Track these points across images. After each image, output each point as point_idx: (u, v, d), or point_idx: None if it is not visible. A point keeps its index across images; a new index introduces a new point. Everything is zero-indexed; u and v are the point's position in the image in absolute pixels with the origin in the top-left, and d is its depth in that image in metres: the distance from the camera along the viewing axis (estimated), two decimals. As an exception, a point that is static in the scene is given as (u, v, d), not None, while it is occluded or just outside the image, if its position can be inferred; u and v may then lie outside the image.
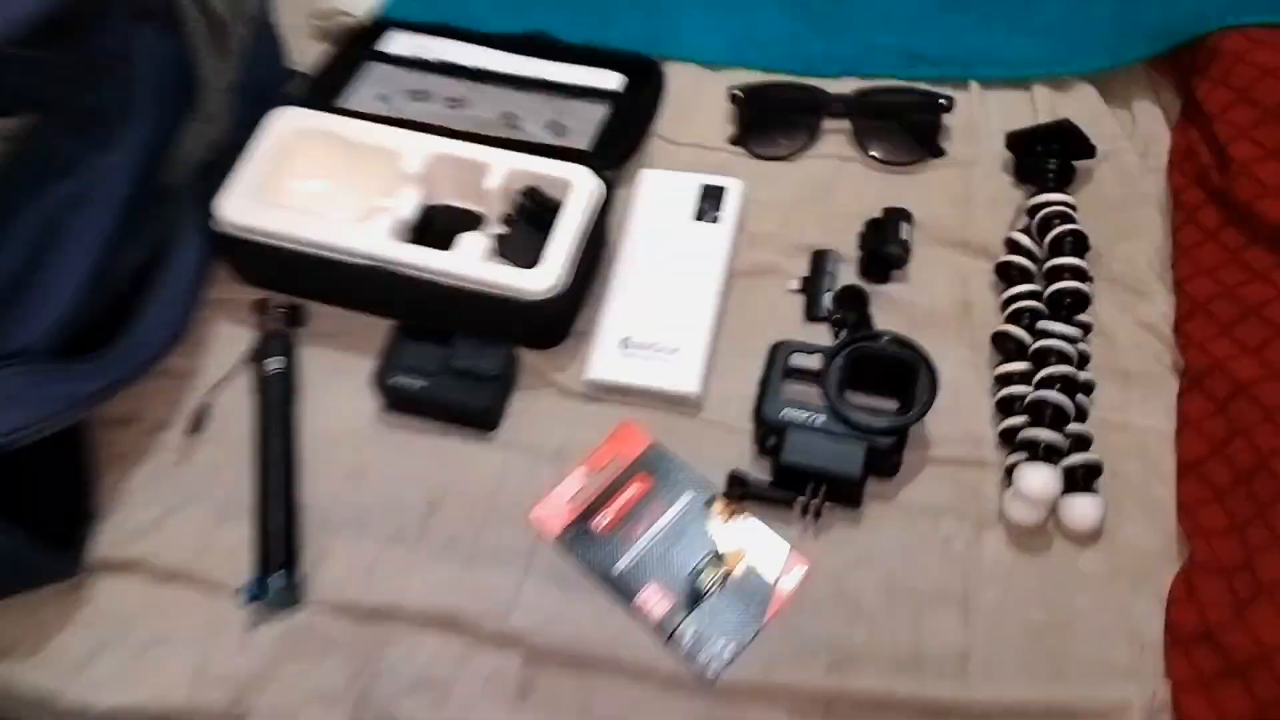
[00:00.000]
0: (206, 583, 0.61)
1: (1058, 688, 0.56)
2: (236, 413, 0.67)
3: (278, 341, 0.69)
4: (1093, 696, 0.55)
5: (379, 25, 0.83)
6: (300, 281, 0.71)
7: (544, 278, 0.65)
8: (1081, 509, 0.59)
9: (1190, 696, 0.54)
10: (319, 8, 0.84)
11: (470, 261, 0.67)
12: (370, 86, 0.80)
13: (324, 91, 0.79)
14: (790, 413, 0.62)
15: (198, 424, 0.67)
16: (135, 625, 0.60)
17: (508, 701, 0.57)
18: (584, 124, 0.77)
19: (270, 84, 0.78)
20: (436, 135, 0.72)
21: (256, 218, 0.69)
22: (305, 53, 0.82)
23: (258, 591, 0.59)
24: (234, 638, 0.59)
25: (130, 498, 0.64)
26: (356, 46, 0.82)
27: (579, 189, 0.69)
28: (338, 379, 0.68)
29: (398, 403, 0.67)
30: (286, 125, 0.73)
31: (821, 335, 0.69)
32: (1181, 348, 0.64)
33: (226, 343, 0.70)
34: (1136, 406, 0.64)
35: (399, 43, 0.83)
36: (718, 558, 0.61)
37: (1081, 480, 0.60)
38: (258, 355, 0.69)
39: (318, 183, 0.73)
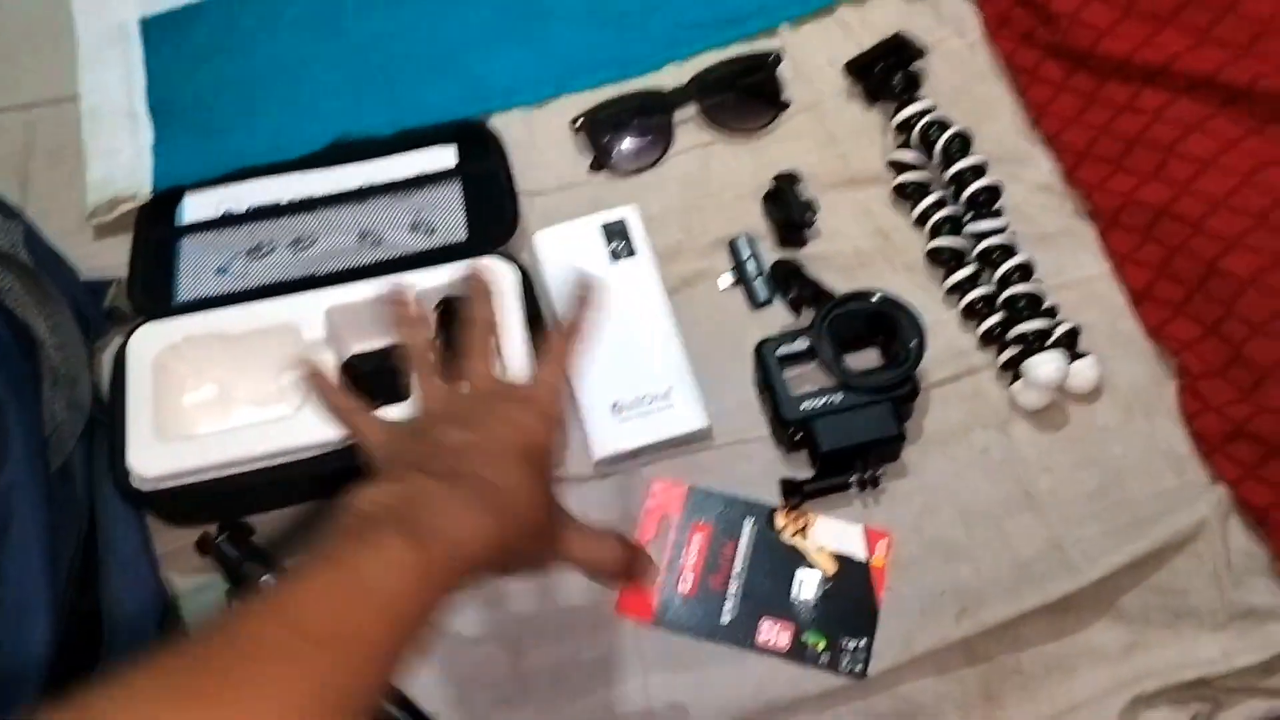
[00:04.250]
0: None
1: (1145, 532, 0.61)
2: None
3: (255, 562, 0.62)
4: (1174, 527, 0.60)
5: (167, 197, 0.75)
6: (250, 501, 0.64)
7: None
8: (1085, 372, 0.64)
9: (1248, 487, 0.60)
10: (94, 203, 0.74)
11: (435, 401, 0.62)
12: (199, 263, 0.72)
13: (153, 291, 0.71)
14: (808, 404, 0.62)
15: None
16: None
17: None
18: (448, 213, 0.73)
19: (86, 305, 0.69)
20: (321, 288, 0.67)
21: (177, 461, 0.61)
22: (99, 256, 0.73)
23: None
24: None
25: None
26: (157, 227, 0.74)
27: (499, 283, 0.66)
28: (340, 575, 0.63)
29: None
30: (150, 346, 0.65)
31: (774, 318, 0.69)
32: (1085, 195, 0.70)
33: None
34: (1069, 261, 0.69)
35: (199, 206, 0.75)
36: (807, 565, 0.61)
37: (1072, 347, 0.64)
38: (244, 587, 0.62)
39: (206, 389, 0.66)
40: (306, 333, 0.65)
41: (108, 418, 0.64)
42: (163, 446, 0.62)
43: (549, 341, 0.53)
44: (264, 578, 0.62)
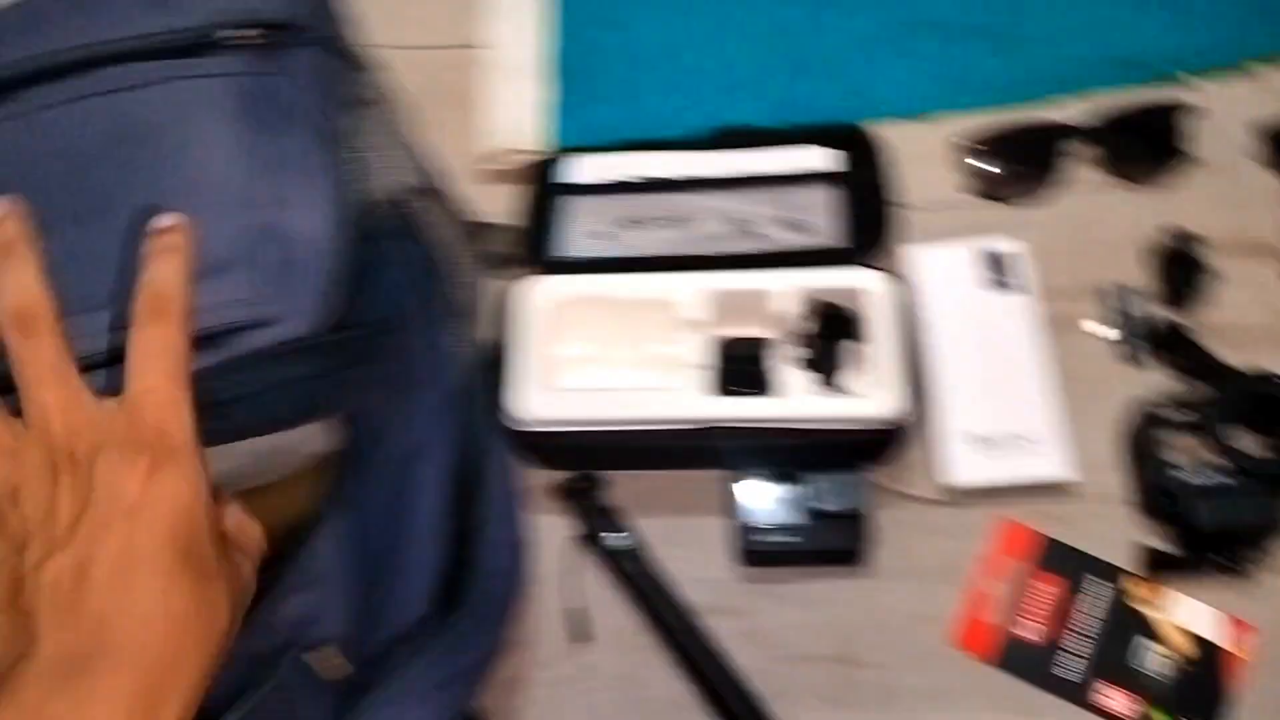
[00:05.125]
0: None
1: None
2: (604, 603, 0.65)
3: (607, 518, 0.66)
4: None
5: (557, 155, 0.79)
6: (609, 457, 0.67)
7: (888, 401, 0.63)
8: None
9: None
10: (485, 150, 0.79)
11: (805, 402, 0.64)
12: (578, 224, 0.75)
13: (538, 243, 0.74)
14: (1189, 478, 0.60)
15: (582, 631, 0.63)
16: None
17: None
18: (820, 214, 0.73)
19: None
20: (703, 270, 0.69)
21: (555, 409, 0.65)
22: (477, 201, 0.77)
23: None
24: None
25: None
26: (547, 183, 0.77)
27: (875, 294, 0.66)
28: (680, 545, 0.65)
29: (760, 559, 0.64)
30: (540, 296, 0.69)
31: (1146, 377, 0.67)
32: None
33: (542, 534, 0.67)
34: None
35: (585, 169, 0.78)
36: (1159, 640, 0.60)
37: None
38: (593, 538, 0.65)
39: (581, 346, 0.70)
40: (683, 310, 0.68)
41: (489, 356, 0.68)
42: (541, 393, 0.65)
43: (134, 329, 0.40)
44: (607, 534, 0.65)
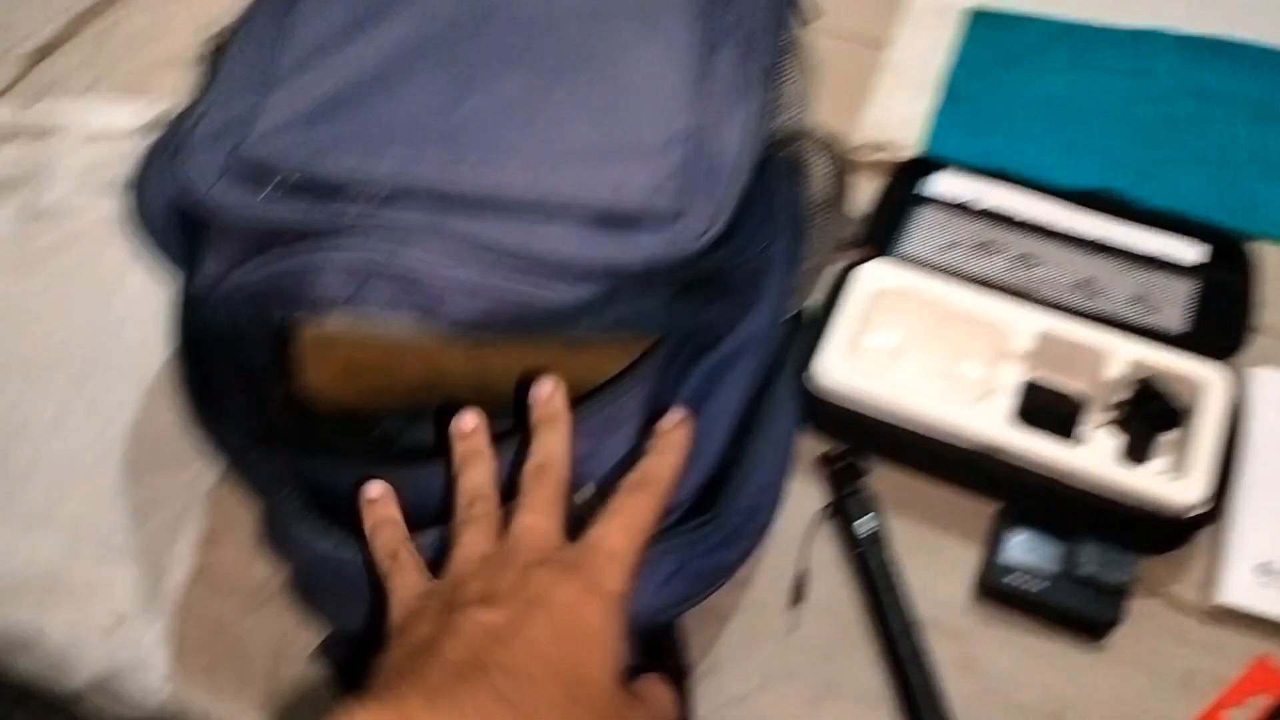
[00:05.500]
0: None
1: None
2: (826, 575, 0.66)
3: (861, 500, 0.67)
4: None
5: (922, 163, 0.81)
6: (883, 446, 0.69)
7: (1188, 494, 0.61)
8: None
9: None
10: (863, 141, 0.82)
11: (1106, 463, 0.63)
12: (927, 233, 0.77)
13: (885, 236, 0.77)
14: None
15: (799, 593, 0.65)
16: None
17: None
18: (1172, 301, 0.72)
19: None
20: (1044, 310, 0.69)
21: (855, 383, 0.67)
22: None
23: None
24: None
25: (727, 662, 0.64)
26: (908, 185, 0.80)
27: (1209, 390, 0.65)
28: (921, 554, 0.66)
29: (1003, 597, 0.64)
30: (877, 278, 0.71)
31: None
32: None
33: (792, 494, 0.69)
34: None
35: (949, 184, 0.80)
36: (1397, 836, 0.56)
37: None
38: (841, 514, 0.67)
39: (900, 337, 0.71)
40: (1012, 341, 0.68)
41: (812, 317, 0.71)
42: (847, 364, 0.68)
43: (617, 493, 0.48)
44: (858, 516, 0.66)
